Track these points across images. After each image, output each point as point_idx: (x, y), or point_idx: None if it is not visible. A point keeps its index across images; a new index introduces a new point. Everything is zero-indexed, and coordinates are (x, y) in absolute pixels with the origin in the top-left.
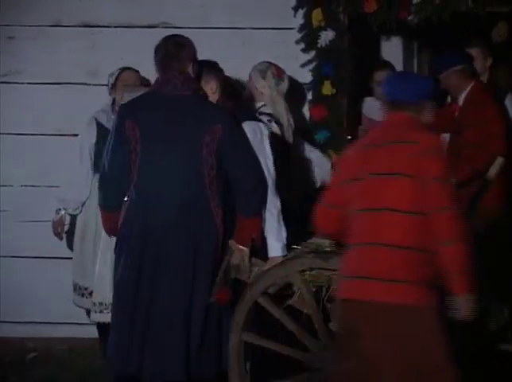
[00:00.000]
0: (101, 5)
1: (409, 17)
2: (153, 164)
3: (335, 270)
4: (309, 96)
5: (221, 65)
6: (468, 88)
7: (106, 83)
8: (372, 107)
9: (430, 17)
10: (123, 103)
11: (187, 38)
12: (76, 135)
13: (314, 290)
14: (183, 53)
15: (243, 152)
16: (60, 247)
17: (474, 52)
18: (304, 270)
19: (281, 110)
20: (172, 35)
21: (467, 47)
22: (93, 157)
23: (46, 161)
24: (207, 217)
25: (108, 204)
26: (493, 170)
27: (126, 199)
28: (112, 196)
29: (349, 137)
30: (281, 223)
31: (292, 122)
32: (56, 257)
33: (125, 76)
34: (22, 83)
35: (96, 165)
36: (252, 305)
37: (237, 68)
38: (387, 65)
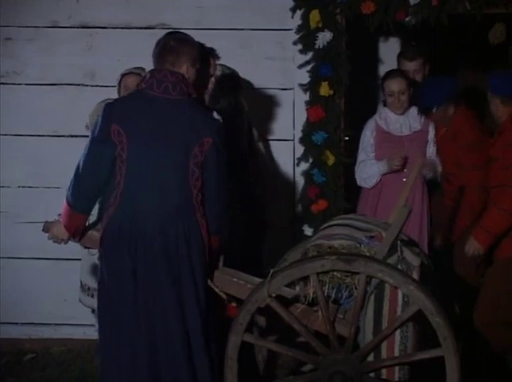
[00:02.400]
0: (98, 7)
1: (407, 19)
2: (139, 172)
3: (356, 274)
4: (306, 97)
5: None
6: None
7: (103, 84)
8: (389, 119)
9: (427, 19)
10: (109, 101)
11: (192, 38)
12: (73, 136)
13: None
14: (182, 50)
15: (219, 173)
16: (58, 248)
17: (415, 65)
18: (322, 272)
19: None
20: (178, 32)
21: (407, 60)
22: None
23: (43, 162)
24: (193, 228)
25: (77, 204)
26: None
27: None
28: (83, 198)
29: (346, 138)
30: None
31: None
32: (54, 258)
33: (125, 81)
34: (19, 84)
35: None
36: (260, 306)
37: (235, 68)
38: (399, 74)
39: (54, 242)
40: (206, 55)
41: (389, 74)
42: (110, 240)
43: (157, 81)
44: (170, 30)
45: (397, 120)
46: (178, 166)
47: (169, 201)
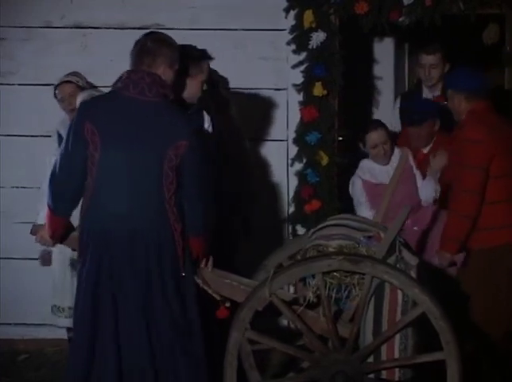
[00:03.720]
0: (92, 7)
1: (400, 19)
2: (111, 173)
3: (356, 274)
4: (300, 97)
5: (212, 66)
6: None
7: (97, 84)
8: (374, 171)
9: (421, 19)
10: (84, 100)
11: (171, 39)
12: None
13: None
14: (159, 51)
15: (199, 175)
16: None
17: (433, 59)
18: (328, 272)
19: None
20: (156, 32)
21: (425, 53)
22: None
23: (37, 163)
24: (165, 233)
25: (55, 207)
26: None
27: (79, 206)
28: (60, 201)
29: (340, 138)
30: None
31: None
32: None
33: (61, 91)
34: (13, 84)
35: None
36: (263, 303)
37: (228, 69)
38: (378, 125)
39: (42, 244)
40: (198, 57)
41: (369, 127)
42: (82, 244)
43: (133, 82)
44: (163, 31)
45: (382, 170)
46: (151, 169)
47: (140, 205)
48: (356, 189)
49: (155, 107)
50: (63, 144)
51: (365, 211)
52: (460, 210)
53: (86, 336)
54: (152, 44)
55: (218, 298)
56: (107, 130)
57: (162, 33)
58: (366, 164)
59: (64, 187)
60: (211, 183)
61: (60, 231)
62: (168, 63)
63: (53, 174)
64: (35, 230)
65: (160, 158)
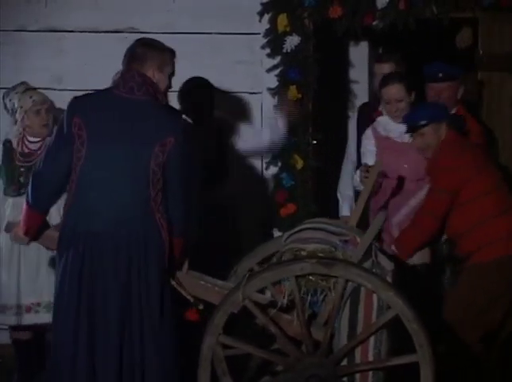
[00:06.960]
0: (67, 11)
1: (374, 23)
2: (97, 169)
3: (332, 277)
4: (275, 101)
5: (187, 70)
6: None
7: (71, 88)
8: (388, 126)
9: (395, 23)
10: (75, 96)
11: (159, 43)
12: None
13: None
14: (148, 55)
15: (182, 172)
16: None
17: (389, 67)
18: (301, 276)
19: None
20: (147, 38)
21: (379, 62)
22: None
23: None
24: (151, 229)
25: (34, 202)
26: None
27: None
28: (41, 195)
29: (314, 141)
30: None
31: None
32: None
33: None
34: None
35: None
36: (236, 308)
37: (202, 72)
38: (396, 79)
39: (16, 242)
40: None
41: (386, 80)
42: (64, 239)
43: (123, 81)
44: (138, 34)
45: (397, 128)
46: (138, 167)
47: (125, 203)
48: (366, 136)
49: (143, 105)
50: (51, 138)
51: (369, 158)
52: (420, 227)
53: (70, 334)
54: (140, 48)
55: (191, 300)
56: (95, 126)
57: (150, 38)
58: (383, 118)
59: (47, 181)
60: (196, 185)
61: (35, 228)
62: (156, 65)
63: (37, 169)
64: (10, 227)
65: (147, 156)
